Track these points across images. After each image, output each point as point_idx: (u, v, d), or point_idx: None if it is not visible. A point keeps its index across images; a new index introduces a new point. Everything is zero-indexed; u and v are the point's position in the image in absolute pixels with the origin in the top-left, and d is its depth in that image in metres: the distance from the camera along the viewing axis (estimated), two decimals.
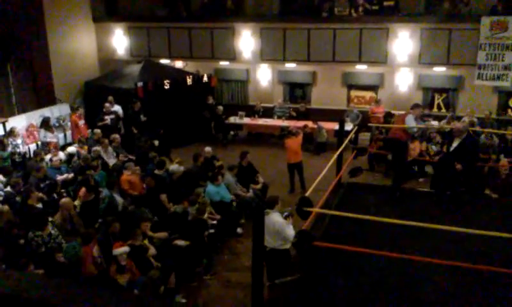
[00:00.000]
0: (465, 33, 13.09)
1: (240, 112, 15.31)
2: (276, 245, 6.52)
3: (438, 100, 14.69)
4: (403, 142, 9.26)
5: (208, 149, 10.89)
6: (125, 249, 6.47)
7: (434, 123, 12.52)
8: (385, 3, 13.89)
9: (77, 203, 8.39)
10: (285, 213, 6.69)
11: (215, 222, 8.39)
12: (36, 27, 13.59)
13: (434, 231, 6.39)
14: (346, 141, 9.82)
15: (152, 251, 7.00)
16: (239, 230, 9.07)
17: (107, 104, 12.94)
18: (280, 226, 6.47)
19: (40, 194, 8.46)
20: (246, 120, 15.18)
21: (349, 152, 10.56)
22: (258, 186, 10.01)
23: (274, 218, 6.51)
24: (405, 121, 9.27)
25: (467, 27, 13.02)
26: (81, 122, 12.59)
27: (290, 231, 6.44)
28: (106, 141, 11.15)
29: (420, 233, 6.86)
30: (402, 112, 10.25)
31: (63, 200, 7.91)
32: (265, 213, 6.11)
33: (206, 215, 8.17)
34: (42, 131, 11.80)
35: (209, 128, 14.90)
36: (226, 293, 7.29)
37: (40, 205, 8.16)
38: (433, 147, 11.49)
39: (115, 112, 13.06)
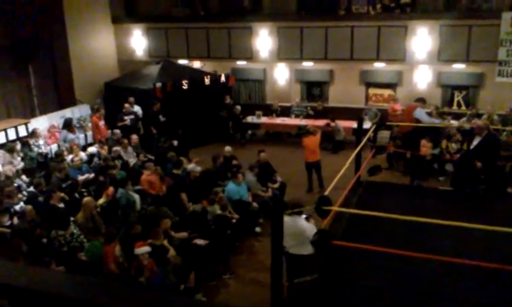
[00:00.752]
0: (485, 29, 12.89)
1: (257, 112, 15.34)
2: (303, 251, 6.40)
3: (458, 97, 14.49)
4: (417, 133, 9.38)
5: (228, 148, 10.92)
6: (147, 249, 6.54)
7: (454, 122, 12.39)
8: (402, 1, 13.75)
9: (100, 202, 8.51)
10: (305, 216, 6.65)
11: (234, 220, 8.45)
12: (57, 29, 13.80)
13: (455, 230, 6.32)
14: (365, 140, 9.78)
15: (172, 252, 7.05)
16: (258, 229, 9.11)
17: (126, 105, 13.09)
18: (309, 230, 6.35)
19: (62, 194, 8.59)
20: (264, 119, 15.20)
21: (367, 150, 10.52)
22: (276, 185, 10.02)
23: (300, 222, 6.42)
24: (414, 114, 9.32)
25: (487, 23, 12.82)
26: (101, 123, 12.75)
27: (314, 228, 6.37)
28: (126, 141, 11.28)
29: (441, 232, 6.80)
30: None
31: (86, 199, 8.03)
32: (289, 217, 6.14)
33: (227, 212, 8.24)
34: (64, 132, 11.99)
35: (227, 127, 14.96)
36: (245, 292, 7.32)
37: (62, 205, 8.29)
38: (453, 145, 11.35)
39: (135, 113, 13.21)
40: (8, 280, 1.80)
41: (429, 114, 12.49)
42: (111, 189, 8.71)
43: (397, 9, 13.64)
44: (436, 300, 6.05)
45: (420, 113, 9.33)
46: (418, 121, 9.59)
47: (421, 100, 9.96)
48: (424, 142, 10.86)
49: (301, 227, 6.37)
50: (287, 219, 6.15)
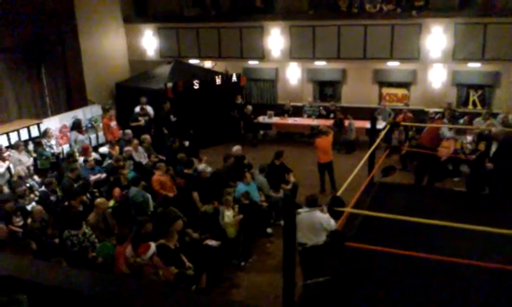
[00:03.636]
0: (501, 27, 12.68)
1: (269, 112, 15.25)
2: (320, 241, 6.59)
3: (473, 96, 14.29)
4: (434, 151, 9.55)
5: (237, 147, 10.84)
6: (152, 251, 6.45)
7: (475, 123, 12.18)
8: (416, 3, 13.56)
9: (110, 204, 8.46)
10: (320, 208, 6.80)
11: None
12: (69, 30, 13.84)
13: (470, 232, 6.18)
14: (378, 140, 9.64)
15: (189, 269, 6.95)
16: (269, 230, 9.02)
17: (144, 106, 13.11)
18: (327, 221, 6.56)
19: (84, 198, 8.56)
20: (275, 119, 15.11)
21: (380, 151, 10.38)
22: (289, 186, 9.92)
23: (318, 215, 6.61)
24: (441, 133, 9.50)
25: (503, 21, 12.61)
26: (113, 123, 12.73)
27: (333, 222, 6.61)
28: (136, 141, 11.24)
29: (455, 234, 6.66)
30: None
31: (98, 200, 7.99)
32: (307, 212, 6.51)
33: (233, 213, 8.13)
34: (74, 133, 12.01)
35: (238, 127, 14.89)
36: (256, 293, 7.26)
37: (81, 208, 8.22)
38: (468, 145, 11.16)
39: (148, 114, 13.22)
40: (27, 276, 1.83)
41: (442, 115, 12.43)
42: (117, 190, 8.67)
43: (412, 10, 13.42)
44: (451, 303, 5.91)
45: (445, 131, 9.67)
46: (440, 139, 9.76)
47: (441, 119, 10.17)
48: (446, 143, 10.79)
49: (316, 218, 6.55)
50: (303, 213, 6.54)
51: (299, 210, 6.75)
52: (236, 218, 8.04)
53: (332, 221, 6.59)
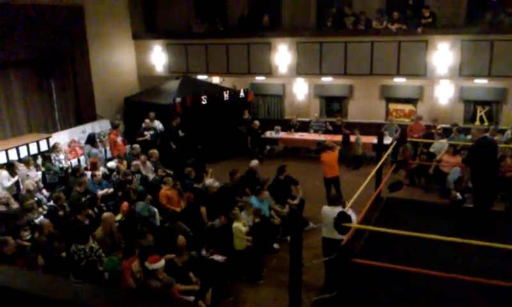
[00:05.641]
0: (508, 44, 12.68)
1: (276, 127, 15.31)
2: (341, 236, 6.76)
3: (481, 112, 14.26)
4: None
5: (255, 162, 10.86)
6: (161, 263, 6.48)
7: None
8: (423, 21, 13.59)
9: (118, 218, 8.49)
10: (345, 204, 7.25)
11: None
12: (79, 45, 14.02)
13: (476, 248, 6.15)
14: (385, 155, 9.65)
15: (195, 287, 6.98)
16: (276, 246, 9.00)
17: (147, 120, 13.20)
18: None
19: (90, 211, 8.60)
20: (282, 134, 15.15)
21: (387, 166, 10.37)
22: (295, 201, 9.90)
23: (338, 210, 6.75)
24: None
25: (510, 38, 12.62)
26: (119, 139, 12.81)
27: (355, 218, 6.97)
28: (144, 156, 11.31)
29: (462, 251, 6.64)
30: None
31: (105, 214, 8.02)
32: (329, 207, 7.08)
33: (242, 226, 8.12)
34: (88, 146, 12.12)
35: (245, 142, 14.94)
36: None
37: (87, 222, 8.27)
38: None
39: (155, 128, 13.30)
40: (36, 291, 1.85)
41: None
42: (125, 204, 8.71)
43: (419, 27, 13.43)
44: None
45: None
46: None
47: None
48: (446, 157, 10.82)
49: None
50: (327, 209, 7.12)
51: (324, 206, 7.33)
52: (244, 236, 8.02)
53: (354, 217, 6.88)
